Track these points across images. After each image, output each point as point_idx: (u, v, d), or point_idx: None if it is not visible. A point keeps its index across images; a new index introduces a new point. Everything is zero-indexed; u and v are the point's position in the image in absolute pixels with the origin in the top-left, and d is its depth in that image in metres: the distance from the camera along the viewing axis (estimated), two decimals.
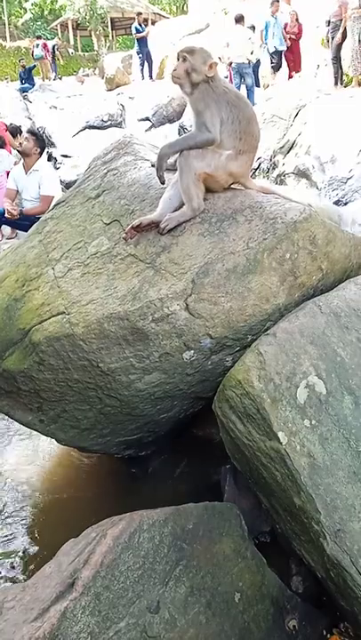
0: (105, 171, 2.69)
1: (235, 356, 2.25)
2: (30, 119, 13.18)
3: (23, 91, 16.44)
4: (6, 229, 6.40)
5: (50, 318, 2.34)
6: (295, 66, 11.60)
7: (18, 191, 5.52)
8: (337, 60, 9.56)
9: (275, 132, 8.52)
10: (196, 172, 2.32)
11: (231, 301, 2.22)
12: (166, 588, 1.79)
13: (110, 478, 2.93)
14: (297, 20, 11.35)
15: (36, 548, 2.51)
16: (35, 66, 18.53)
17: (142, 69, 16.11)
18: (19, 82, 17.59)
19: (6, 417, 2.79)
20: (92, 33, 27.37)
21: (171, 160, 2.44)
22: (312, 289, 2.33)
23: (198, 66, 2.32)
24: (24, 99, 15.44)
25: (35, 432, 2.73)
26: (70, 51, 26.90)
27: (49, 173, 5.54)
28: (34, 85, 17.41)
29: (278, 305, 2.25)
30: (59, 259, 2.49)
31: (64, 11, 27.97)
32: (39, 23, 29.37)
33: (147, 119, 12.59)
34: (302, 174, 7.73)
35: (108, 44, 27.66)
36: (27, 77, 17.35)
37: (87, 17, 26.19)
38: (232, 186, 2.52)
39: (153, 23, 21.32)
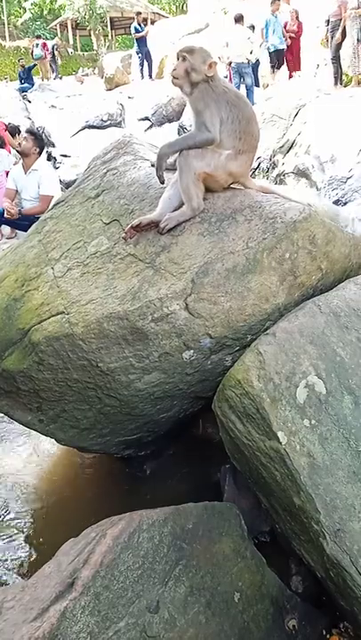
0: (104, 170, 2.69)
1: (234, 356, 2.25)
2: (30, 119, 13.13)
3: (22, 90, 16.42)
4: (6, 229, 6.40)
5: (49, 318, 2.33)
6: (295, 65, 11.61)
7: (17, 191, 5.52)
8: (337, 59, 9.58)
9: (274, 132, 8.51)
10: (196, 171, 2.32)
11: (231, 301, 2.22)
12: (166, 588, 1.79)
13: (110, 478, 2.92)
14: (297, 17, 11.36)
15: (36, 547, 2.51)
16: (34, 65, 18.52)
17: (142, 69, 16.13)
18: (18, 81, 17.60)
19: (6, 417, 2.79)
20: (92, 33, 27.36)
21: (170, 160, 2.44)
22: (312, 289, 2.33)
23: (198, 65, 2.31)
24: (23, 98, 15.41)
25: (34, 432, 2.73)
26: (70, 50, 26.90)
27: (48, 173, 5.54)
28: (33, 85, 17.40)
29: (278, 305, 2.25)
30: (58, 258, 2.48)
31: (63, 10, 27.94)
32: (38, 23, 29.40)
33: (146, 119, 12.58)
34: (302, 174, 7.72)
35: (107, 44, 27.66)
36: (26, 77, 17.35)
37: (87, 17, 26.17)
38: (232, 185, 2.52)
39: (152, 23, 21.28)
